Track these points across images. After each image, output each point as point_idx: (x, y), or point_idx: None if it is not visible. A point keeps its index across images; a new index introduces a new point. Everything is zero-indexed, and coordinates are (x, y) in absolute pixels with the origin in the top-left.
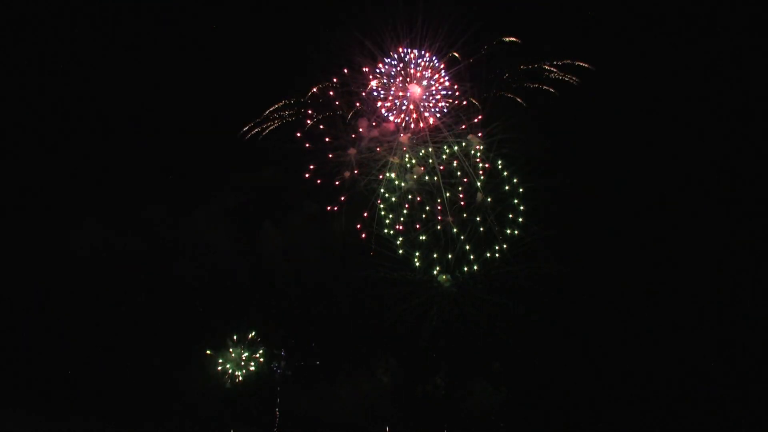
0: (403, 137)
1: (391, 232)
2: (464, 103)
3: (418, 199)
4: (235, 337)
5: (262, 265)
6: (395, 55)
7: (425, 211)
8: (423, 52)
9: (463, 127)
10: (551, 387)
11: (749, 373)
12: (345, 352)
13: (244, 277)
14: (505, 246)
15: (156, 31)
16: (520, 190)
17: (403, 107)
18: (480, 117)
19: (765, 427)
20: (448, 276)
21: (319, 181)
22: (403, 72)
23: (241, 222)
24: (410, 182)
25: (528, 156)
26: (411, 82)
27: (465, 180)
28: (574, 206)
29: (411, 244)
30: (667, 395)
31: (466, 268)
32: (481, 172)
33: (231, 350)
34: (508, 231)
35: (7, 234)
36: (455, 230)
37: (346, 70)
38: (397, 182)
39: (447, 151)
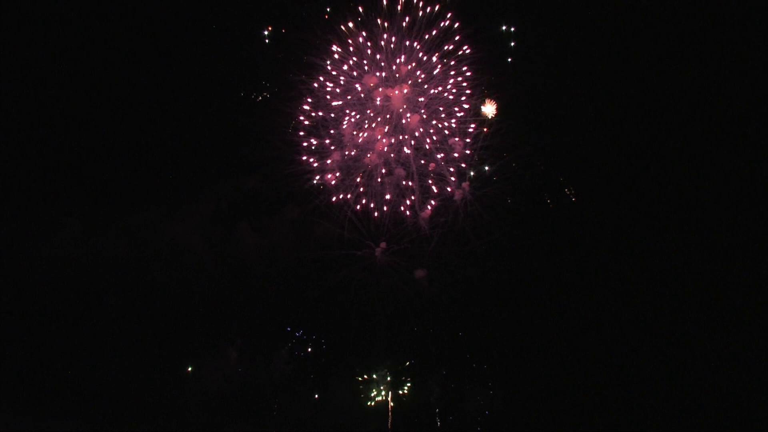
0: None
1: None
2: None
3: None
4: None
5: (244, 269)
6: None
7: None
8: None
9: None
10: (547, 389)
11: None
12: (340, 354)
13: (228, 281)
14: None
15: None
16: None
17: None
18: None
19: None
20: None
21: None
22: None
23: (222, 227)
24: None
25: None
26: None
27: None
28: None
29: None
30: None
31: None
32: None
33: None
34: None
35: None
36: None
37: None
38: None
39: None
